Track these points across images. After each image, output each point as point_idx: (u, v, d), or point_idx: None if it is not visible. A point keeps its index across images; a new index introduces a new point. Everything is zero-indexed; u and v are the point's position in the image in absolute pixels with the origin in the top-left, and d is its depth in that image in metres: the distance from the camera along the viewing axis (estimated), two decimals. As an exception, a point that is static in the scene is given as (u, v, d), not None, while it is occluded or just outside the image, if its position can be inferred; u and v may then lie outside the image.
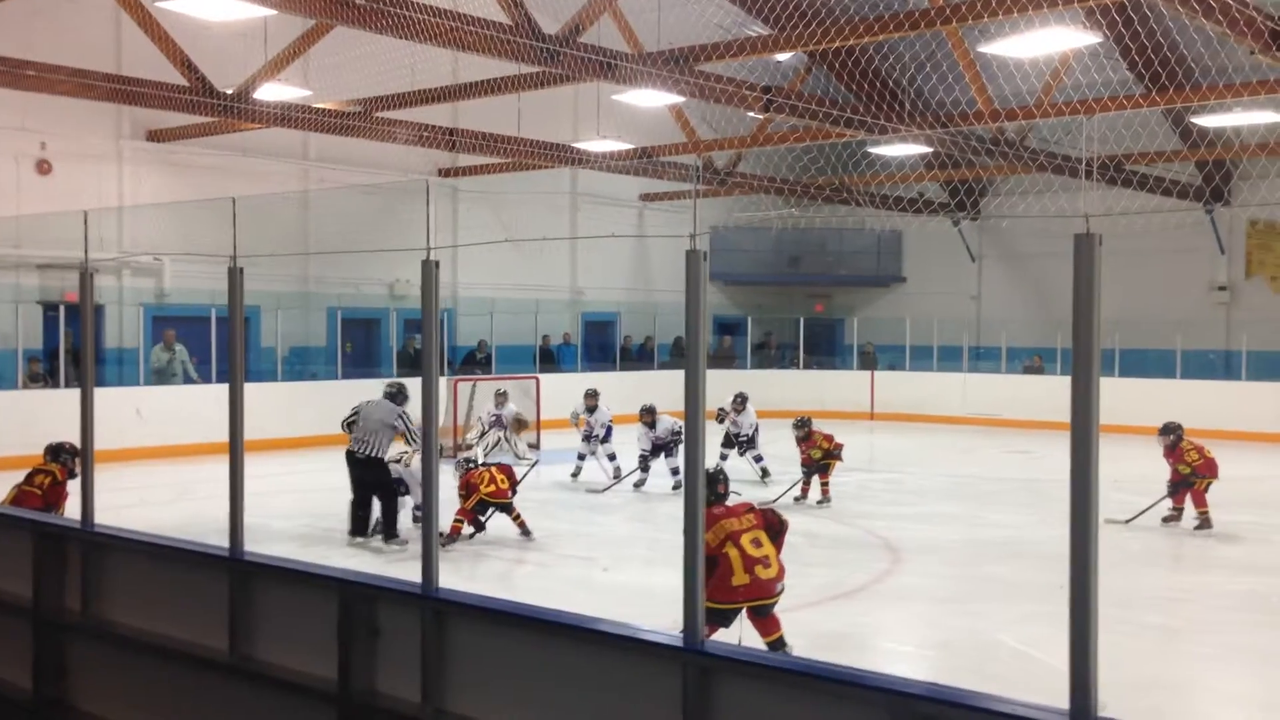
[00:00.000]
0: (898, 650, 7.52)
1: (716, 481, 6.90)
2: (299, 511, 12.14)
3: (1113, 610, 7.61)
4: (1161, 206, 22.03)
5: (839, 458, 13.08)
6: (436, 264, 4.63)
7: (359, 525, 10.54)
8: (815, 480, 13.02)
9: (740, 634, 6.25)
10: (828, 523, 11.83)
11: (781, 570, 6.41)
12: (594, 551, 10.49)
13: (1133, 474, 11.96)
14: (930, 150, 19.89)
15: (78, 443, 6.57)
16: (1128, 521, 11.39)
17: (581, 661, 4.10)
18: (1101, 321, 3.19)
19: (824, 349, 26.81)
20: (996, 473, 15.58)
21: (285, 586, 5.25)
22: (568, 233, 23.67)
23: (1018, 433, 18.46)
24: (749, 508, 6.67)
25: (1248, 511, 12.65)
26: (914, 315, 25.41)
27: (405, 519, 10.66)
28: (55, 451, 8.92)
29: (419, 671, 4.47)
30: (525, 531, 10.65)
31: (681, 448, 12.66)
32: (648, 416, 13.98)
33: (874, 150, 20.67)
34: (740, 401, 14.84)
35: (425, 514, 4.74)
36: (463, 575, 9.18)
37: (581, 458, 14.82)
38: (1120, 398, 20.53)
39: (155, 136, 18.36)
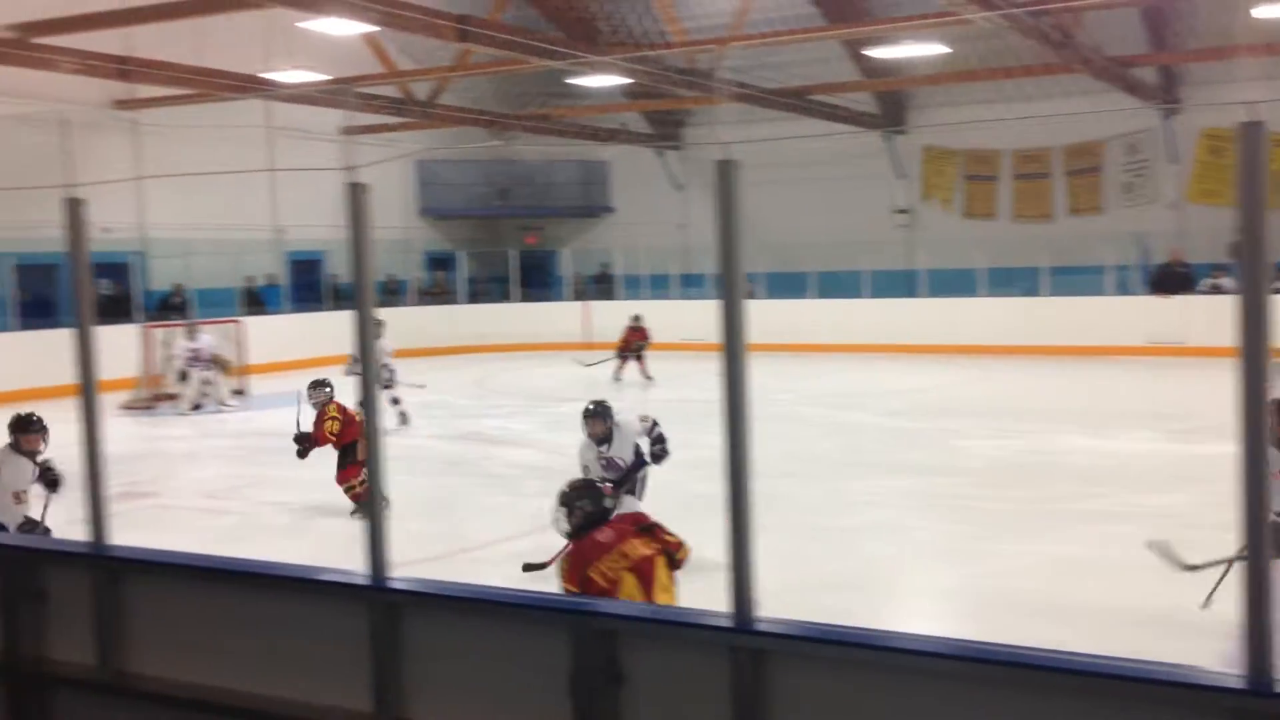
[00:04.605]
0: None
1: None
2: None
3: (806, 517, 8.21)
4: (836, 132, 23.23)
5: None
6: (82, 203, 4.32)
7: None
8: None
9: None
10: (528, 451, 11.97)
11: None
12: (292, 497, 10.21)
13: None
14: (629, 81, 20.15)
15: None
16: None
17: (265, 607, 4.00)
18: (744, 246, 3.33)
19: (538, 281, 26.84)
20: (708, 395, 16.17)
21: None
22: (266, 168, 22.58)
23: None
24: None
25: (925, 419, 13.80)
26: (624, 245, 25.85)
27: None
28: None
29: (93, 635, 4.25)
30: None
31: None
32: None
33: (573, 81, 20.73)
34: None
35: (92, 474, 4.47)
36: (151, 533, 8.76)
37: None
38: (817, 318, 21.92)
39: None
